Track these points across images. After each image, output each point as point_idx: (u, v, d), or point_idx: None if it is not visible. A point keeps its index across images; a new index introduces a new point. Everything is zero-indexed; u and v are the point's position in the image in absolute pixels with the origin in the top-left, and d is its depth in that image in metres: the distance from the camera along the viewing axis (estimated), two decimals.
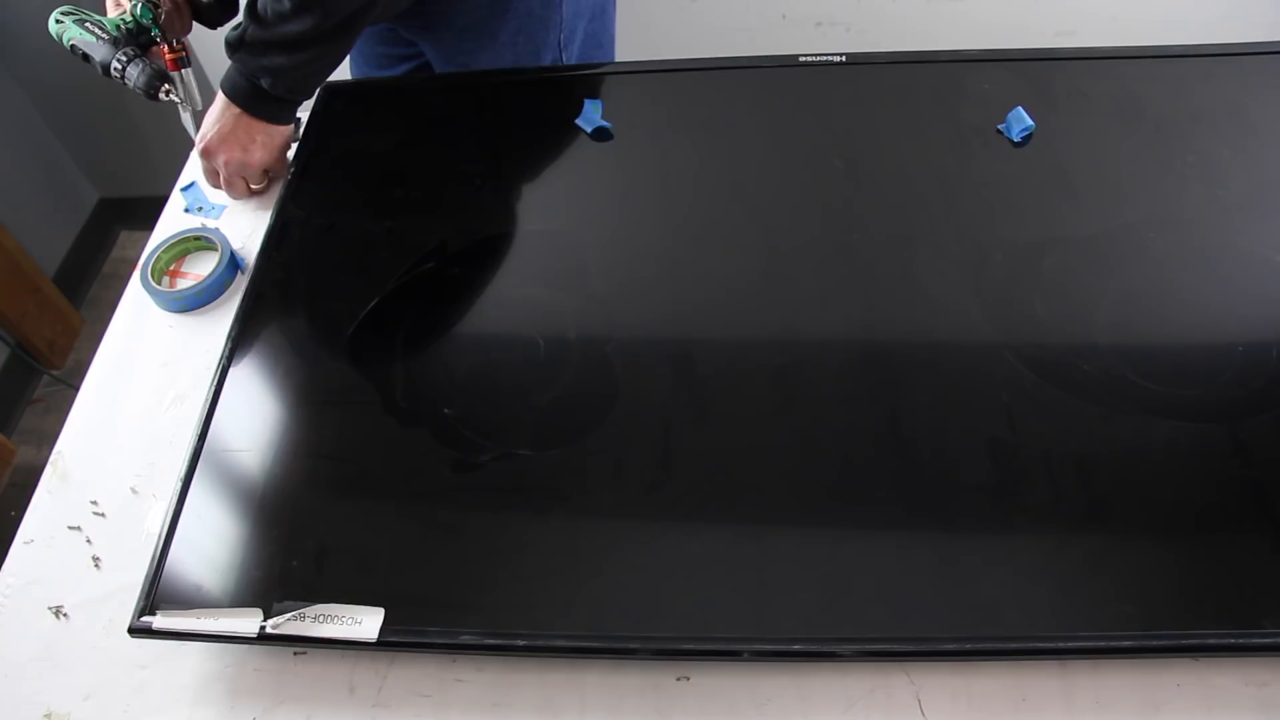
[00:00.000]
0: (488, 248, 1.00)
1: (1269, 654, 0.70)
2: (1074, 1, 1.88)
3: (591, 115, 1.07)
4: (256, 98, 1.04)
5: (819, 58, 1.11)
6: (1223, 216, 0.95)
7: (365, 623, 0.72)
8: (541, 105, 1.12)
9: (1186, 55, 1.09)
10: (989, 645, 0.70)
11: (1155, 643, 0.69)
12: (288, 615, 0.72)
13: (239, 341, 0.92)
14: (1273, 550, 0.73)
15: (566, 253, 0.98)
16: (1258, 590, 0.71)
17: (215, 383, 0.88)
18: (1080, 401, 0.82)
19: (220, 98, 1.05)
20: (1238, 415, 0.80)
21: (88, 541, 0.85)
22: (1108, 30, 1.88)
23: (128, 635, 0.74)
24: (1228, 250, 0.92)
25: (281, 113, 1.08)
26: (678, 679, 0.74)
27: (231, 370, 0.89)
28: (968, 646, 0.70)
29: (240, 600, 0.74)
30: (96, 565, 0.84)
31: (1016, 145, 1.02)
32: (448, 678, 0.75)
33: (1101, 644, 0.69)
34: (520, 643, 0.71)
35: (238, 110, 1.05)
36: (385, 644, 0.72)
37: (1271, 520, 0.74)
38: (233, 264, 1.04)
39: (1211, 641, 0.69)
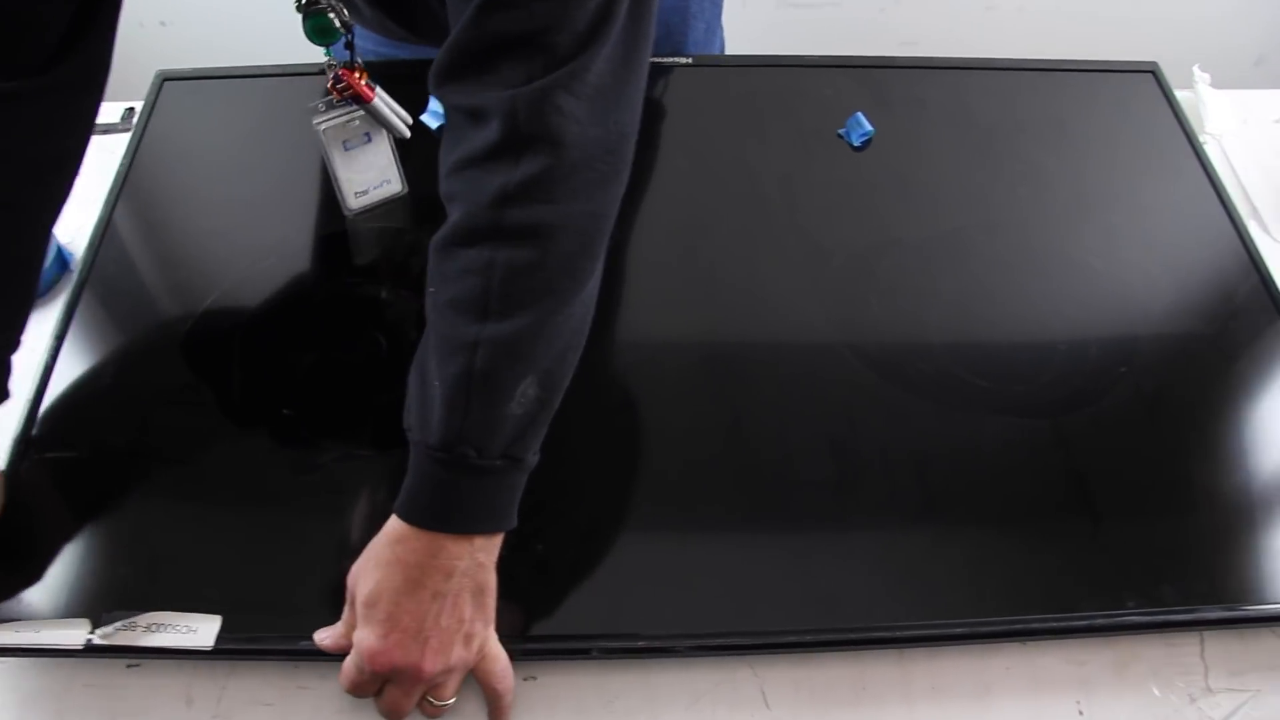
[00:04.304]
0: (327, 244, 0.97)
1: (1087, 635, 0.74)
2: (917, 14, 1.95)
3: (437, 109, 1.06)
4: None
5: (666, 60, 1.12)
6: (1046, 221, 1.00)
7: (201, 630, 0.69)
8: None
9: (1015, 69, 1.15)
10: (829, 636, 0.72)
11: (985, 629, 0.73)
12: (117, 625, 0.69)
13: (65, 340, 0.87)
14: (1090, 537, 0.77)
15: (405, 249, 0.96)
16: (1077, 575, 0.75)
17: (39, 382, 0.84)
18: (916, 399, 0.85)
19: None
20: (1060, 410, 0.85)
21: None
22: (948, 43, 1.95)
23: None
24: (1051, 254, 0.97)
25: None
26: (524, 679, 0.73)
27: (56, 369, 0.85)
28: (809, 638, 0.72)
29: (66, 611, 0.71)
30: None
31: (856, 149, 1.05)
32: (290, 685, 0.73)
33: (936, 632, 0.73)
34: None
35: None
36: (223, 652, 0.69)
37: (1090, 509, 0.78)
38: (60, 259, 0.99)
39: (1036, 626, 0.73)
